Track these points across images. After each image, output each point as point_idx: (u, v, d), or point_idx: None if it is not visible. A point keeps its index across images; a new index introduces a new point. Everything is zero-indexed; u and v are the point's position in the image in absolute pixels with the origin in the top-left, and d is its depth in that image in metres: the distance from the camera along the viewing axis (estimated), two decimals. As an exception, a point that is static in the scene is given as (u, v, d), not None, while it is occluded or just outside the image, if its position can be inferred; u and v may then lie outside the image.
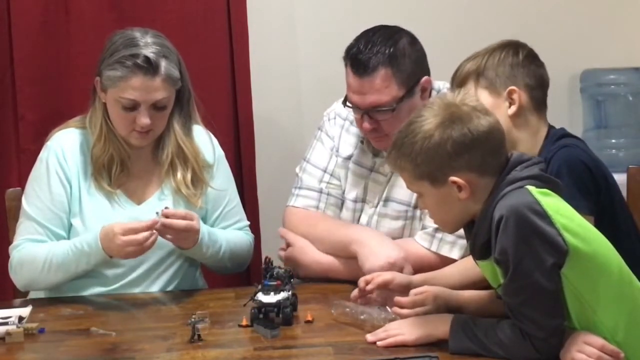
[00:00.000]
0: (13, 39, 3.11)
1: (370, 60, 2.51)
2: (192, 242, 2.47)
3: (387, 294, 2.23)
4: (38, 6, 3.11)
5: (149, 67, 2.45)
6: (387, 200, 2.62)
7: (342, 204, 2.71)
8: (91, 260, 2.43)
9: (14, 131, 3.15)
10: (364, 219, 2.67)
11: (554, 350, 1.89)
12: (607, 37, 3.55)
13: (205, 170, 2.61)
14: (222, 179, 2.65)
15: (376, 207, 2.64)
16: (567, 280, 1.87)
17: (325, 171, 2.72)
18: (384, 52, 2.52)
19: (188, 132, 2.60)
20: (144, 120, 2.47)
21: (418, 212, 2.58)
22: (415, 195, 2.55)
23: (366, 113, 2.54)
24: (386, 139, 2.57)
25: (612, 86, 3.55)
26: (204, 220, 2.61)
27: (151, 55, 2.46)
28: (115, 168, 2.54)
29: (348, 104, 2.59)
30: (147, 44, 2.48)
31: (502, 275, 1.92)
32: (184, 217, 2.40)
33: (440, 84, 2.66)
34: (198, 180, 2.59)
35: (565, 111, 3.54)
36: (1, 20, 3.10)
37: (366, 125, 2.55)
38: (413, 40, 2.60)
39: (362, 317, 2.15)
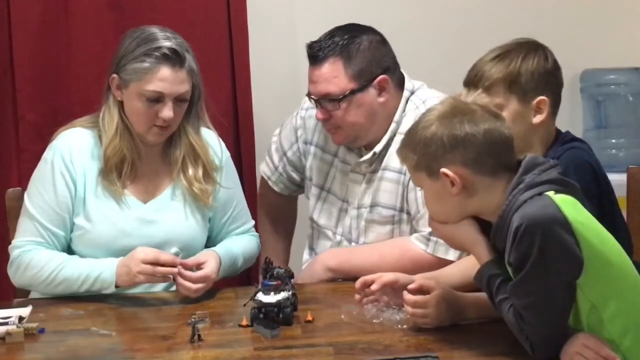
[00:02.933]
0: (13, 39, 3.11)
1: (322, 49, 2.57)
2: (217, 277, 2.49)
3: (390, 294, 2.23)
4: (38, 6, 3.11)
5: (177, 58, 2.46)
6: (373, 205, 2.63)
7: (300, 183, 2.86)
8: (95, 286, 2.42)
9: (14, 131, 3.15)
10: (347, 220, 2.69)
11: (550, 353, 1.88)
12: (607, 37, 3.55)
13: (214, 172, 2.61)
14: (230, 182, 2.65)
15: (358, 209, 2.65)
16: (581, 290, 1.86)
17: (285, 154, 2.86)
18: (337, 43, 2.57)
19: (198, 130, 2.59)
20: (168, 112, 2.45)
21: (405, 216, 2.59)
22: (401, 198, 2.57)
23: (318, 102, 2.59)
24: (339, 132, 2.62)
25: (612, 86, 3.56)
26: (212, 222, 2.62)
27: (177, 47, 2.46)
28: (126, 167, 2.51)
29: (310, 98, 2.64)
30: (169, 37, 2.48)
31: (514, 276, 1.91)
32: (197, 266, 2.42)
33: (416, 83, 2.66)
34: (209, 177, 2.58)
35: (565, 111, 3.50)
36: (1, 20, 3.10)
37: (318, 114, 2.61)
38: (378, 40, 2.61)
39: (375, 321, 2.14)
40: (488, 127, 1.95)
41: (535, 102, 2.29)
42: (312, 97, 2.61)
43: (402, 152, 2.05)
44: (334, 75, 2.55)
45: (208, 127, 2.64)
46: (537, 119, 2.29)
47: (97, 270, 2.41)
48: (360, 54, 2.56)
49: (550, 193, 1.89)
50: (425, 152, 1.97)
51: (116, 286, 2.41)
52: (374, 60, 2.58)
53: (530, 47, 2.34)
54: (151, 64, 2.45)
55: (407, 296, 2.12)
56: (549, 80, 2.32)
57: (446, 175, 1.94)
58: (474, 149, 1.94)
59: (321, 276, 2.58)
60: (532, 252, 1.84)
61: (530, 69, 2.29)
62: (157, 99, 2.46)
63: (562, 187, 1.92)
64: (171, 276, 2.38)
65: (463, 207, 1.99)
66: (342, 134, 2.62)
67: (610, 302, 1.88)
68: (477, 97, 2.02)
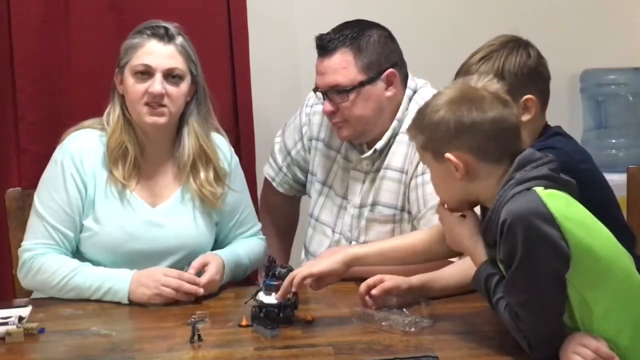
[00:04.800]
0: (13, 39, 3.11)
1: (332, 41, 2.57)
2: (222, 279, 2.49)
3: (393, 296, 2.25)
4: (38, 6, 3.10)
5: (165, 34, 2.51)
6: (374, 204, 2.63)
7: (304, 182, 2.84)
8: (107, 297, 2.41)
9: (14, 131, 3.14)
10: (347, 218, 2.68)
11: (549, 352, 1.88)
12: (607, 37, 3.56)
13: (224, 177, 2.60)
14: (238, 186, 2.65)
15: (359, 208, 2.65)
16: (571, 285, 1.86)
17: (289, 154, 2.85)
18: (347, 35, 2.57)
19: (208, 133, 2.60)
20: (157, 86, 2.46)
21: (406, 215, 2.59)
22: (402, 198, 2.57)
23: (326, 94, 2.58)
24: (346, 126, 2.60)
25: (612, 86, 3.56)
26: (220, 226, 2.63)
27: (170, 27, 2.52)
28: (129, 160, 2.50)
29: (317, 91, 2.63)
30: (168, 22, 2.55)
31: (505, 273, 1.92)
32: (201, 268, 2.44)
33: (419, 82, 2.66)
34: (219, 180, 2.58)
35: (565, 111, 3.54)
36: (1, 20, 3.09)
37: (326, 106, 2.59)
38: (387, 35, 2.62)
39: (384, 323, 2.14)
40: (495, 115, 1.96)
41: (522, 101, 2.28)
42: (319, 90, 2.60)
43: (411, 131, 2.08)
44: (344, 67, 2.55)
45: (218, 131, 2.64)
46: (525, 117, 2.28)
47: (109, 283, 2.41)
48: (370, 46, 2.57)
49: (539, 188, 1.90)
50: (432, 136, 1.99)
51: (129, 300, 2.40)
52: (383, 54, 2.59)
53: (513, 46, 2.33)
54: (140, 39, 2.51)
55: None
56: (534, 76, 2.31)
57: (450, 160, 1.96)
58: (480, 136, 1.96)
59: None
60: (517, 247, 1.85)
61: (513, 69, 2.29)
62: (147, 72, 2.48)
63: (554, 182, 1.93)
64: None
65: (465, 191, 2.01)
66: (349, 128, 2.61)
67: (601, 297, 1.87)
68: (488, 83, 2.02)
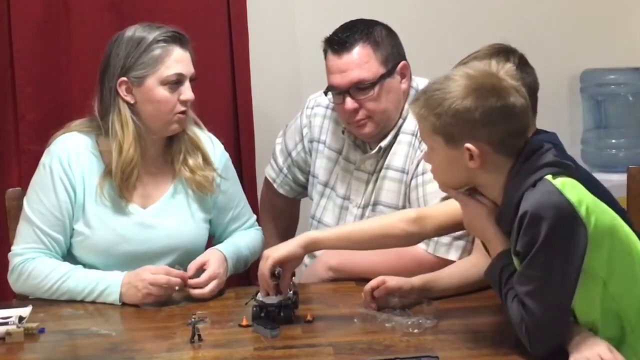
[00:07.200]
0: (13, 39, 3.11)
1: (348, 37, 2.55)
2: (226, 272, 2.49)
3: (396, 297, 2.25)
4: (38, 6, 3.11)
5: (182, 37, 2.49)
6: (375, 204, 2.63)
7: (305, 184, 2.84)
8: (99, 299, 2.41)
9: (14, 131, 3.15)
10: (349, 219, 2.68)
11: (548, 349, 1.88)
12: (607, 37, 3.56)
13: (212, 163, 2.59)
14: (230, 182, 2.65)
15: (362, 208, 2.65)
16: (591, 268, 1.86)
17: (289, 155, 2.85)
18: (362, 31, 2.56)
19: (191, 121, 2.58)
20: (190, 93, 2.47)
21: None
22: (403, 198, 2.56)
23: (347, 92, 2.55)
24: (369, 122, 2.58)
25: (612, 86, 3.56)
26: (216, 222, 2.63)
27: (176, 29, 2.49)
28: (135, 175, 2.48)
29: (329, 94, 2.61)
30: (163, 25, 2.51)
31: (519, 265, 1.91)
32: (200, 268, 2.43)
33: (420, 82, 2.66)
34: (208, 163, 2.58)
35: (565, 111, 3.54)
36: (1, 20, 3.10)
37: (348, 104, 2.55)
38: (390, 30, 2.63)
39: (387, 325, 2.14)
40: (519, 109, 1.93)
41: None
42: (337, 89, 2.57)
43: (421, 112, 1.98)
44: (365, 61, 2.54)
45: (197, 124, 2.62)
46: None
47: (101, 285, 2.40)
48: (384, 40, 2.57)
49: (549, 177, 1.90)
50: (451, 122, 1.92)
51: (122, 302, 2.40)
52: (396, 46, 2.60)
53: (492, 53, 2.31)
54: (162, 49, 2.46)
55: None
56: None
57: (469, 150, 1.93)
58: (503, 129, 1.92)
59: (322, 276, 2.57)
60: (539, 239, 1.84)
61: None
62: (179, 80, 2.46)
63: (559, 168, 1.93)
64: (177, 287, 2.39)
65: (468, 179, 1.98)
66: (372, 124, 2.58)
67: (619, 278, 1.89)
68: (508, 70, 1.98)
